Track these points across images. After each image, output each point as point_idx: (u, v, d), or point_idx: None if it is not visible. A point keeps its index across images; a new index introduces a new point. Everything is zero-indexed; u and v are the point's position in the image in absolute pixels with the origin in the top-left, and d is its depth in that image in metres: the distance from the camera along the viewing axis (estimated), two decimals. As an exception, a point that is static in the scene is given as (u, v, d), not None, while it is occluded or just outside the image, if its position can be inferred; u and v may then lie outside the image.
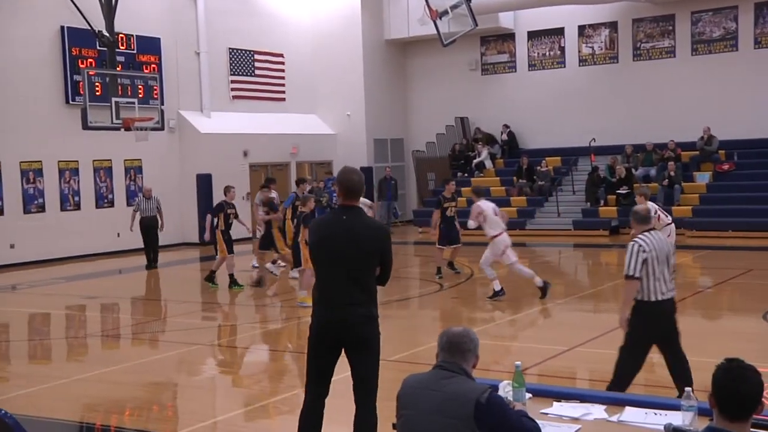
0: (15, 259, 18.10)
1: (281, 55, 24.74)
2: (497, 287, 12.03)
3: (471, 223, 12.19)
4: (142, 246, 17.42)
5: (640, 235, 6.17)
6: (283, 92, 24.88)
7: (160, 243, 17.83)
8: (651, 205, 12.42)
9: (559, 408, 4.28)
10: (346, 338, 5.03)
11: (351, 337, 5.02)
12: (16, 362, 9.94)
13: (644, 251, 6.05)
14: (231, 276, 14.00)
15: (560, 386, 5.93)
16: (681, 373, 6.21)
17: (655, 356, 8.52)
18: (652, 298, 6.09)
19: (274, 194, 15.72)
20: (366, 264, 5.03)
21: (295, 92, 25.10)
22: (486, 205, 12.11)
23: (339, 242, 4.99)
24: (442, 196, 14.67)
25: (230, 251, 14.08)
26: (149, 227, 17.21)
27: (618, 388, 5.88)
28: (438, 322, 11.55)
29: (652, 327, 6.17)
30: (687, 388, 3.97)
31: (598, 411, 4.22)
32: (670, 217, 12.01)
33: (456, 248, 14.71)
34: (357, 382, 5.10)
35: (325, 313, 5.05)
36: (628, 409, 4.20)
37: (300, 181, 15.32)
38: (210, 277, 14.10)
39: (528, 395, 4.35)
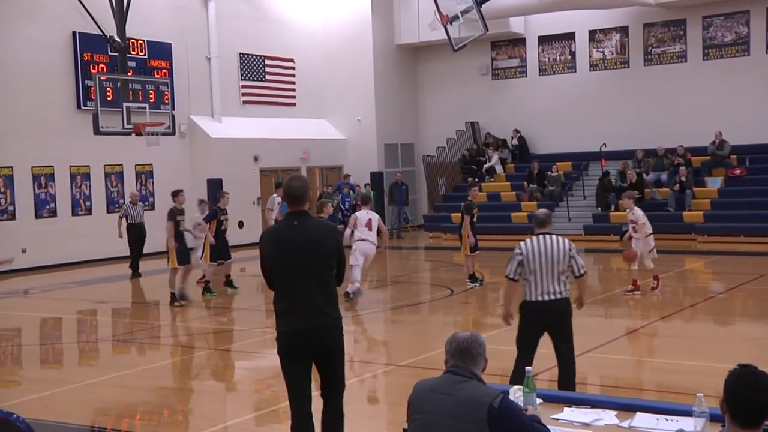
0: (27, 264, 18.19)
1: (292, 60, 24.80)
2: (350, 289, 12.57)
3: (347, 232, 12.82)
4: (144, 252, 17.03)
5: (526, 239, 6.50)
6: (294, 97, 24.94)
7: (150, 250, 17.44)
8: (639, 212, 12.43)
9: (569, 413, 4.27)
10: (318, 346, 5.10)
11: (321, 343, 5.10)
12: (28, 366, 9.99)
13: (519, 254, 6.42)
14: (207, 283, 13.87)
15: (571, 391, 5.93)
16: (561, 373, 6.51)
17: (666, 362, 8.46)
18: (532, 298, 6.41)
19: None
20: (326, 265, 5.13)
21: (306, 97, 25.16)
22: (361, 215, 12.85)
23: (295, 247, 5.03)
24: (471, 201, 13.95)
25: (227, 257, 13.96)
26: (137, 234, 16.66)
27: (516, 382, 5.92)
28: (449, 327, 11.52)
29: (532, 324, 6.45)
30: (699, 394, 3.95)
31: (609, 417, 4.20)
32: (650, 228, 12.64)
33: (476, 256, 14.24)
34: (326, 384, 5.24)
35: (291, 322, 5.05)
36: (639, 414, 4.18)
37: (278, 185, 15.32)
38: (206, 289, 13.95)
39: (539, 400, 4.35)
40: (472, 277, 14.01)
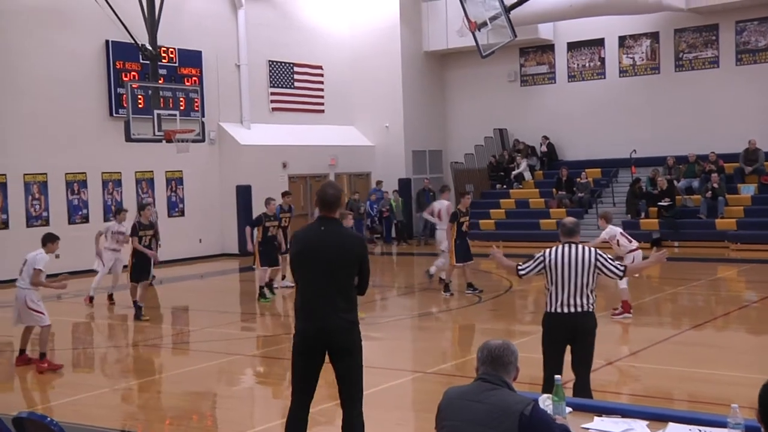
0: (59, 269, 18.36)
1: (320, 68, 24.91)
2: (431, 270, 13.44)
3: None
4: (174, 258, 17.17)
5: (551, 247, 6.27)
6: (322, 104, 25.04)
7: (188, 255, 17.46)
8: (613, 229, 11.81)
9: (600, 423, 4.22)
10: (329, 346, 5.22)
11: (333, 344, 5.21)
12: (60, 370, 10.10)
13: (542, 261, 6.23)
14: (260, 288, 14.02)
15: (601, 401, 5.86)
16: (576, 394, 6.10)
17: (699, 372, 8.34)
18: (552, 310, 6.20)
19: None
20: (345, 273, 5.24)
21: (334, 104, 25.25)
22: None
23: (318, 253, 5.22)
24: (458, 210, 14.08)
25: (271, 263, 14.12)
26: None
27: (546, 391, 5.81)
28: (477, 334, 11.48)
29: (554, 337, 6.23)
30: (733, 405, 3.88)
31: (640, 427, 4.14)
32: (635, 243, 11.76)
33: (469, 265, 14.24)
34: (342, 387, 5.30)
35: (307, 321, 5.25)
36: (671, 425, 4.12)
37: (285, 194, 15.26)
38: (261, 294, 14.09)
39: (568, 409, 4.30)
40: (470, 285, 14.10)
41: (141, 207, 13.75)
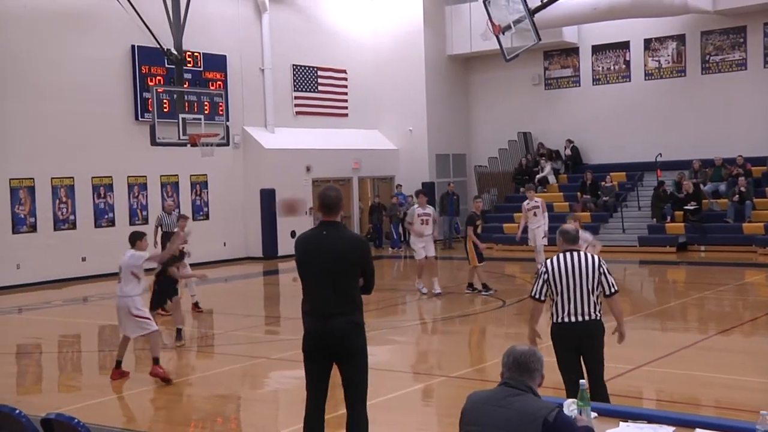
0: (86, 272, 18.63)
1: (344, 71, 24.98)
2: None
3: None
4: (199, 261, 17.06)
5: (554, 257, 6.15)
6: (346, 108, 25.10)
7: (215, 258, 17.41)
8: (584, 234, 11.79)
9: (626, 429, 4.19)
10: (334, 347, 5.31)
11: (338, 345, 5.30)
12: (87, 372, 10.21)
13: (545, 273, 6.11)
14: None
15: (627, 406, 5.80)
16: (592, 388, 5.90)
17: (726, 377, 8.26)
18: (560, 320, 6.07)
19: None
20: (347, 275, 5.29)
21: (358, 108, 25.31)
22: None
23: (321, 256, 5.29)
24: (474, 213, 14.66)
25: None
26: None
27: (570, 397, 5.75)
28: (501, 339, 11.43)
29: (566, 347, 6.11)
30: (763, 412, 3.84)
31: (666, 433, 4.11)
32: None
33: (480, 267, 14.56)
34: (347, 388, 5.39)
35: (313, 323, 5.34)
36: (698, 431, 4.08)
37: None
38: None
39: (593, 414, 4.27)
40: (485, 287, 14.37)
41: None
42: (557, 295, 6.05)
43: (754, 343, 10.67)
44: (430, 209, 14.59)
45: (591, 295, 6.01)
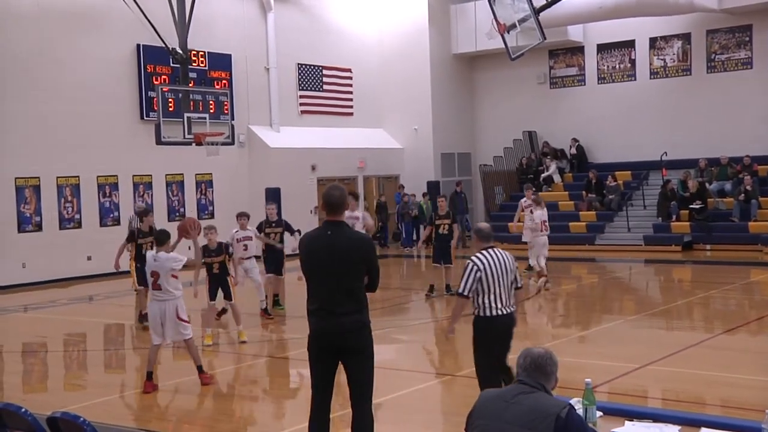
0: (91, 271, 18.66)
1: (349, 70, 24.98)
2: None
3: None
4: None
5: (477, 253, 6.43)
6: (351, 107, 25.11)
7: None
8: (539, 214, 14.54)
9: (631, 428, 4.19)
10: (340, 345, 5.32)
11: (344, 344, 5.31)
12: (93, 371, 10.23)
13: (479, 269, 6.34)
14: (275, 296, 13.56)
15: (632, 405, 5.80)
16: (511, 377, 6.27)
17: (732, 376, 8.25)
18: (489, 314, 6.37)
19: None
20: (352, 274, 5.31)
21: (363, 107, 25.31)
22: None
23: (325, 255, 5.31)
24: (435, 213, 14.57)
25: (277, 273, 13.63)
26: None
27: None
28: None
29: (488, 339, 6.44)
30: None
31: (672, 432, 4.11)
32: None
33: (449, 269, 14.22)
34: (352, 387, 5.40)
35: (318, 322, 5.36)
36: (704, 430, 4.08)
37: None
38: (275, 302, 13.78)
39: (599, 413, 4.27)
40: (431, 288, 14.46)
41: (144, 213, 12.91)
42: (487, 289, 6.35)
43: (760, 342, 10.64)
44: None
45: (511, 288, 6.47)
